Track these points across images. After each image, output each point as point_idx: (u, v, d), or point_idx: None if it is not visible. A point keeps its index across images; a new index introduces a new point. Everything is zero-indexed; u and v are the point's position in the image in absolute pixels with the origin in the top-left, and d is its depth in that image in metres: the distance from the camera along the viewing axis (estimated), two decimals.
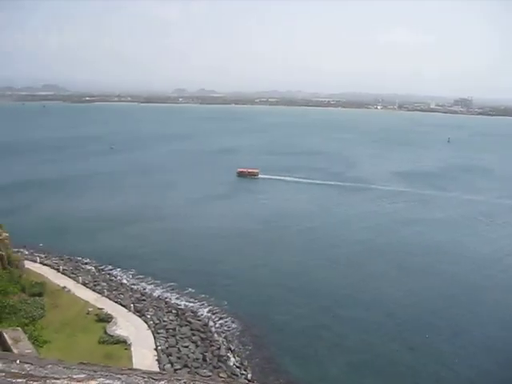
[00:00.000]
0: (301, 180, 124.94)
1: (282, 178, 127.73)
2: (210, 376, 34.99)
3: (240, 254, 70.01)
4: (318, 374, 42.60)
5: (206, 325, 50.18)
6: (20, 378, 2.96)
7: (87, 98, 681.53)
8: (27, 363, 3.24)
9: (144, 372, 3.23)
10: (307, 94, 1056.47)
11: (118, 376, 3.10)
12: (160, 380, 3.19)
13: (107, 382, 3.01)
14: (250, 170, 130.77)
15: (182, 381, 3.23)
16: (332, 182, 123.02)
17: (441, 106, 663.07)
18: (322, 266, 66.60)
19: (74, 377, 3.08)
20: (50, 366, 3.23)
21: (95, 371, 3.21)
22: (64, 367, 3.26)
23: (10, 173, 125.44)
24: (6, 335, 31.04)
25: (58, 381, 3.00)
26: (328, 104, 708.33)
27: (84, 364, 3.40)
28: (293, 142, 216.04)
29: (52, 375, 3.08)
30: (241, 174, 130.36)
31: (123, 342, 43.85)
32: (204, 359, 43.76)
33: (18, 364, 3.22)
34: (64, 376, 3.08)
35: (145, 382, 3.13)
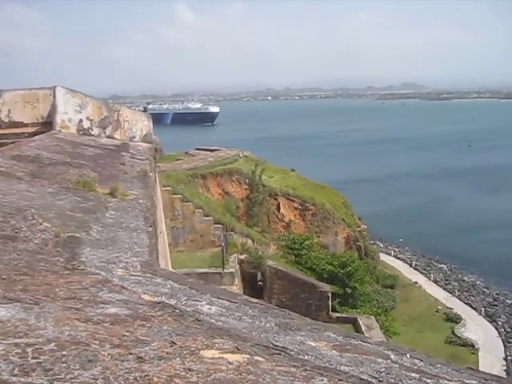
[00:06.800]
0: None
1: None
2: None
3: None
4: None
5: None
6: (413, 372, 2.94)
7: (444, 96, 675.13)
8: (417, 358, 3.23)
9: None
10: None
11: None
12: None
13: None
14: None
15: None
16: None
17: None
18: None
19: (466, 381, 2.95)
20: (439, 365, 3.18)
21: (485, 379, 3.05)
22: (453, 369, 3.17)
23: (380, 167, 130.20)
24: (360, 321, 32.89)
25: (450, 382, 2.91)
26: None
27: (472, 369, 3.26)
28: None
29: (443, 375, 2.99)
30: None
31: (470, 346, 42.20)
32: None
33: (408, 358, 3.24)
34: (455, 379, 2.98)
35: None
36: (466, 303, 51.26)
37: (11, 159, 8.35)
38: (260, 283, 35.68)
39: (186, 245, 35.52)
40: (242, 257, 35.20)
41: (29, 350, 2.54)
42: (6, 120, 13.89)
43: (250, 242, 39.74)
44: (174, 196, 35.82)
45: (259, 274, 35.75)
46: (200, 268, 30.56)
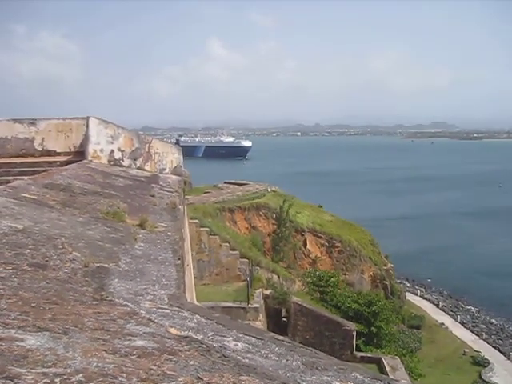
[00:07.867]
0: None
1: None
2: None
3: None
4: None
5: None
6: None
7: (475, 135, 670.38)
8: None
9: None
10: None
11: None
12: None
13: None
14: None
15: None
16: None
17: None
18: None
19: None
20: None
21: None
22: None
23: (417, 204, 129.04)
24: (385, 361, 32.28)
25: None
26: None
27: None
28: None
29: None
30: None
31: None
32: None
33: None
34: None
35: None
36: (494, 347, 50.06)
37: (43, 187, 8.47)
38: (284, 319, 35.40)
39: (211, 278, 35.54)
40: (267, 292, 35.03)
41: (57, 380, 2.55)
42: (40, 148, 14.18)
43: (275, 277, 39.61)
44: (201, 229, 35.96)
45: (284, 310, 35.50)
46: (225, 302, 30.51)
